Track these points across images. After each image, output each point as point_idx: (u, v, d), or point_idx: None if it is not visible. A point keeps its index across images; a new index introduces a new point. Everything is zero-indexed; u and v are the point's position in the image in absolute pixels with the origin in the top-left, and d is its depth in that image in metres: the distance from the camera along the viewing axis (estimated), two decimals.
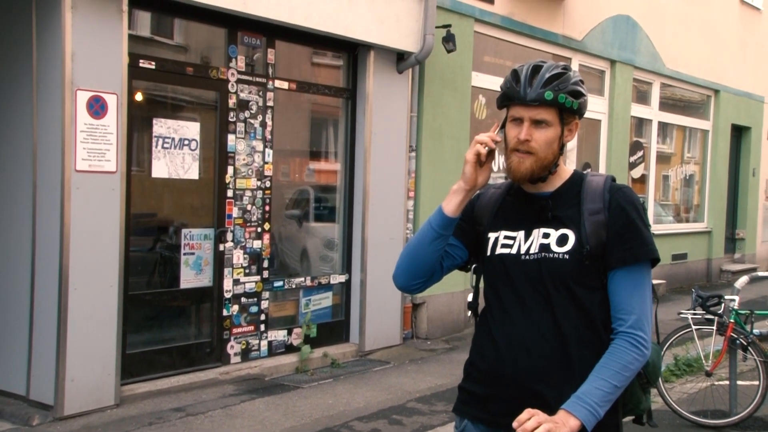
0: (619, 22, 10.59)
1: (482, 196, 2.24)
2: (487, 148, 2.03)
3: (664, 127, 12.54)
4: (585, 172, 2.17)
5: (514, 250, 2.06)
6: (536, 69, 2.03)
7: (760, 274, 6.12)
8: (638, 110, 11.51)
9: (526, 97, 1.99)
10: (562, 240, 2.02)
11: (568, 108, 2.02)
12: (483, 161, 2.05)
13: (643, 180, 11.85)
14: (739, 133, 14.55)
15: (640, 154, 11.62)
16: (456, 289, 8.16)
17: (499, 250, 2.09)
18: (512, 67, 2.09)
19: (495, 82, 8.72)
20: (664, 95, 12.33)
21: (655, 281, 10.91)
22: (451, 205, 2.08)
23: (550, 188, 2.09)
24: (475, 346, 2.17)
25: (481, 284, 2.21)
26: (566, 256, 2.00)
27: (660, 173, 12.57)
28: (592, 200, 2.03)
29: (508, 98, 2.05)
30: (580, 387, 1.92)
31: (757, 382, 5.37)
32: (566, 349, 1.98)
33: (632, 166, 11.38)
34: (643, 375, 2.08)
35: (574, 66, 9.97)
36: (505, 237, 2.10)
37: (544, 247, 2.02)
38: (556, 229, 2.03)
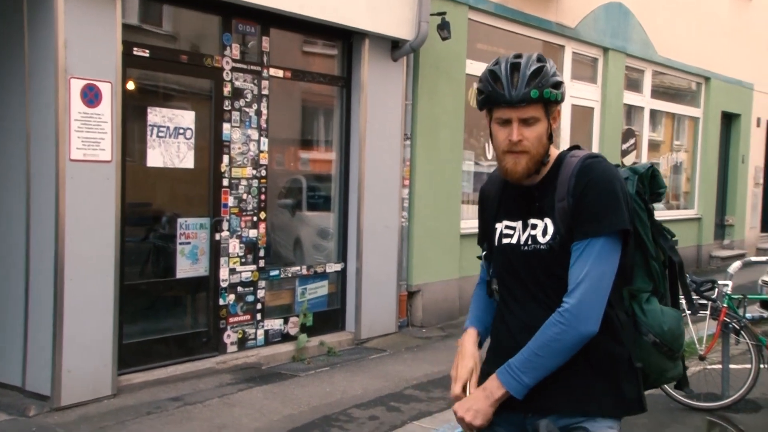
0: (612, 10, 10.59)
1: (489, 183, 2.28)
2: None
3: (656, 114, 12.58)
4: (568, 152, 2.15)
5: (514, 240, 2.11)
6: (515, 67, 2.01)
7: (753, 259, 6.17)
8: (630, 98, 11.53)
9: (512, 99, 1.98)
10: (545, 230, 2.05)
11: (553, 101, 2.02)
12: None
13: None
14: (728, 120, 14.61)
15: (632, 141, 11.66)
16: (450, 277, 8.19)
17: (503, 240, 2.15)
18: (488, 67, 2.07)
19: None
20: (656, 83, 12.35)
21: None
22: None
23: (539, 177, 2.11)
24: (493, 331, 2.22)
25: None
26: (549, 246, 2.04)
27: (651, 160, 12.62)
28: (561, 186, 2.05)
29: (490, 101, 2.04)
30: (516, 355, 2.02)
31: (749, 366, 5.43)
32: None
33: (624, 153, 11.42)
34: (662, 344, 2.10)
35: (568, 54, 9.98)
36: (506, 227, 2.15)
37: (533, 239, 2.07)
38: (542, 219, 2.07)
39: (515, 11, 8.83)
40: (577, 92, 10.15)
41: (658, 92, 12.49)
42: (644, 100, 12.05)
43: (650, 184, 2.24)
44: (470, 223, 8.54)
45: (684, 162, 13.61)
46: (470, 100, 8.57)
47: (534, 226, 2.07)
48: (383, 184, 7.31)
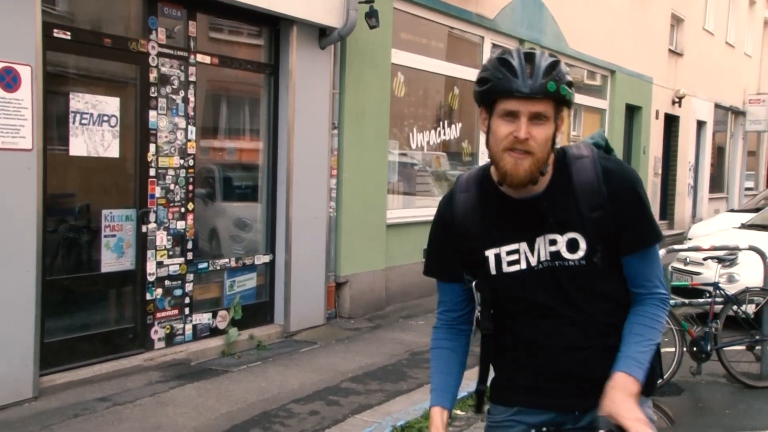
0: (527, 2, 10.82)
1: (455, 206, 2.02)
2: None
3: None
4: (567, 151, 1.97)
5: (524, 265, 1.94)
6: (530, 57, 1.83)
7: (676, 247, 6.46)
8: None
9: (527, 90, 1.79)
10: (572, 245, 1.90)
11: (566, 101, 1.85)
12: None
13: None
14: (631, 112, 15.27)
15: None
16: (377, 267, 8.19)
17: (507, 268, 1.95)
18: (493, 57, 1.89)
19: (413, 60, 8.75)
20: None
21: None
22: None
23: (540, 188, 1.91)
24: (510, 356, 2.04)
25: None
26: (582, 262, 1.90)
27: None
28: (588, 195, 1.90)
29: (498, 91, 1.82)
30: (630, 349, 1.90)
31: (673, 349, 5.70)
32: (603, 333, 1.96)
33: None
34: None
35: (487, 45, 10.13)
36: (508, 253, 1.95)
37: (555, 255, 1.91)
38: (562, 233, 1.90)
39: (438, 1, 8.87)
40: None
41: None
42: None
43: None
44: (396, 213, 8.57)
45: None
46: (395, 89, 8.57)
47: (553, 242, 1.91)
48: (312, 174, 7.21)
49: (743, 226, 9.53)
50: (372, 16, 7.37)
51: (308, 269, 7.22)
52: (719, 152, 21.96)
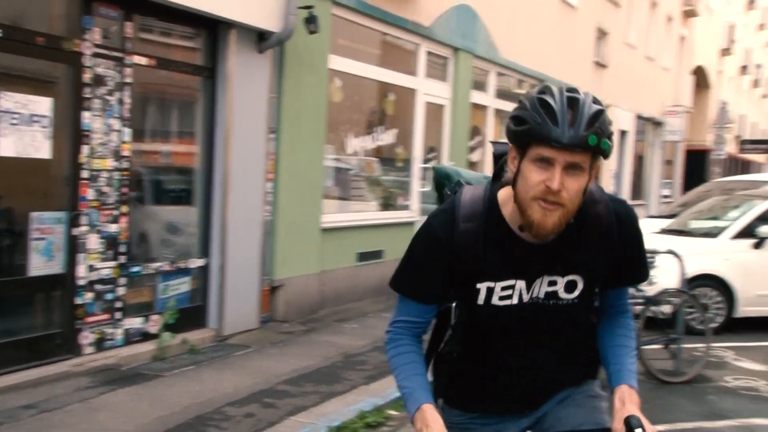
0: (462, 11, 11.05)
1: (458, 235, 1.91)
2: None
3: (497, 113, 13.29)
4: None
5: (515, 300, 1.93)
6: (572, 102, 1.72)
7: None
8: (477, 97, 12.08)
9: (566, 140, 1.68)
10: (571, 286, 1.93)
11: (605, 154, 1.75)
12: None
13: (480, 162, 12.53)
14: None
15: (478, 138, 12.26)
16: (312, 271, 8.23)
17: (496, 301, 1.93)
18: (532, 95, 1.78)
19: (350, 66, 8.84)
20: (499, 84, 13.03)
21: None
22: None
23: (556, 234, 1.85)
24: (477, 371, 2.08)
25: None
26: (576, 300, 1.95)
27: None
28: (605, 243, 1.91)
29: (534, 136, 1.72)
30: (623, 361, 1.99)
31: None
32: (575, 351, 2.07)
33: (471, 149, 11.99)
34: None
35: (422, 52, 10.30)
36: (503, 288, 1.92)
37: (551, 294, 1.93)
38: (563, 275, 1.92)
39: (375, 8, 8.98)
40: (430, 90, 10.53)
41: (500, 93, 13.20)
42: (489, 99, 12.68)
43: None
44: (331, 218, 8.62)
45: None
46: (332, 94, 8.63)
47: (553, 283, 1.92)
48: (248, 178, 7.20)
49: (662, 231, 9.99)
50: (311, 21, 7.42)
51: (243, 273, 7.21)
52: (639, 161, 22.84)
